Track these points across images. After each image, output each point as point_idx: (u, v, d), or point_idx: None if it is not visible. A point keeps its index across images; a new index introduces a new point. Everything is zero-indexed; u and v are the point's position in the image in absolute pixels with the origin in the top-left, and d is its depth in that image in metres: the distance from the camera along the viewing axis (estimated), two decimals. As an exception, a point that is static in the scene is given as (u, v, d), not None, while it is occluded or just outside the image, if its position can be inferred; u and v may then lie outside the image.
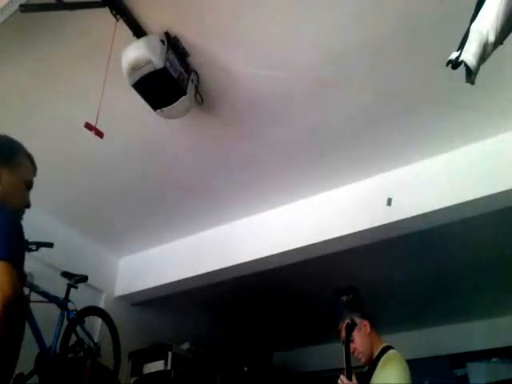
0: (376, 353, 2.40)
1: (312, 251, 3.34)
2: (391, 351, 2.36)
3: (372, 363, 2.38)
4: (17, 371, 2.63)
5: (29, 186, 1.58)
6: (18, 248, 1.31)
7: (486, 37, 1.27)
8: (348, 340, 2.25)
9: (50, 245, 2.89)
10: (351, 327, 2.35)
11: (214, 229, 3.81)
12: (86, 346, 3.12)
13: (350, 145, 2.94)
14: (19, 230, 1.36)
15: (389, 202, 3.01)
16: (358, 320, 2.47)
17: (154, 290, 3.95)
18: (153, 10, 2.15)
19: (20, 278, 1.24)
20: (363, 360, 2.44)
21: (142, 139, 2.89)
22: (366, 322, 2.47)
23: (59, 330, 2.95)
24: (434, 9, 2.07)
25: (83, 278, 3.21)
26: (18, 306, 1.18)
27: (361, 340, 2.43)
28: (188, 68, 2.35)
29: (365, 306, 2.62)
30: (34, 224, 3.24)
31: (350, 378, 2.23)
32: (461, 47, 1.29)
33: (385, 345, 2.42)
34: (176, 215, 3.66)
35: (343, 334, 2.42)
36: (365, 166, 3.14)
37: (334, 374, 2.27)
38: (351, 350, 2.43)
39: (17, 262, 1.24)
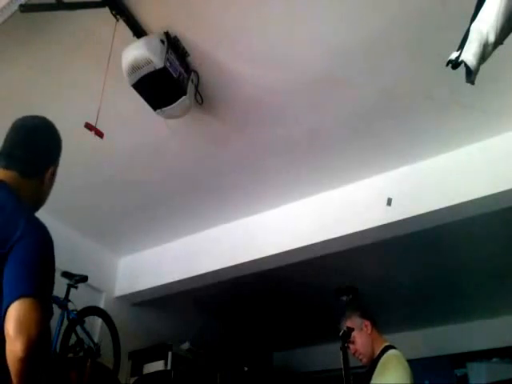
0: (377, 353, 2.37)
1: (312, 251, 3.34)
2: (391, 352, 2.33)
3: (372, 363, 2.36)
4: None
5: None
6: (48, 277, 1.16)
7: (485, 37, 1.27)
8: (345, 348, 2.20)
9: (49, 245, 2.88)
10: (346, 335, 2.30)
11: (213, 229, 3.80)
12: (85, 346, 3.12)
13: (350, 145, 2.94)
14: (51, 249, 1.20)
15: (389, 202, 3.00)
16: (358, 320, 2.45)
17: (153, 290, 3.95)
18: (153, 10, 2.15)
19: (48, 313, 1.11)
20: (364, 361, 2.41)
21: (142, 139, 2.89)
22: (368, 323, 2.44)
23: (59, 330, 2.96)
24: (435, 8, 2.07)
25: (83, 278, 3.21)
26: (44, 347, 1.07)
27: (362, 341, 2.40)
28: (188, 68, 2.35)
29: (366, 306, 2.60)
30: (34, 224, 3.26)
31: None
32: (461, 47, 1.29)
33: (386, 344, 2.39)
34: (176, 215, 3.66)
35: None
36: (365, 166, 3.14)
37: (334, 374, 2.26)
38: (352, 351, 2.41)
39: (45, 296, 1.11)
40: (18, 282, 1.09)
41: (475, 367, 4.96)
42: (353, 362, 2.31)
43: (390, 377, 2.19)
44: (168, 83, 2.21)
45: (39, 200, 1.42)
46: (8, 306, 1.05)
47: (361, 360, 2.42)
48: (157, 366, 3.94)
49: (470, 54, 1.26)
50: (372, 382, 2.27)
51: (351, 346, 2.41)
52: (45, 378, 1.12)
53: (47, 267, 1.17)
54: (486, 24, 1.28)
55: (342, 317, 2.53)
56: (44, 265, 1.16)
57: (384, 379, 2.21)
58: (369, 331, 2.42)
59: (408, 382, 2.16)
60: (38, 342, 1.03)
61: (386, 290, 4.32)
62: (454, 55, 1.30)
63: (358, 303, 2.60)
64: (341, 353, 2.15)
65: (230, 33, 2.24)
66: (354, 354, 2.41)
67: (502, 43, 1.32)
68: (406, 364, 2.23)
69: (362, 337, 2.41)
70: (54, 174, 1.44)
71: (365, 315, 2.49)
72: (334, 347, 2.24)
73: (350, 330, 2.34)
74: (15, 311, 1.04)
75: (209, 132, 2.86)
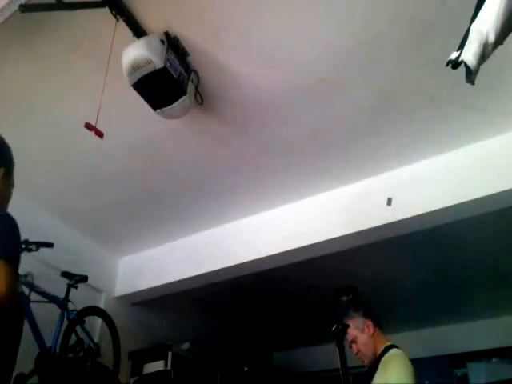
0: (379, 352, 2.34)
1: (312, 251, 3.34)
2: (394, 351, 2.30)
3: (374, 362, 2.33)
4: (17, 371, 2.63)
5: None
6: (15, 246, 1.31)
7: (486, 37, 1.27)
8: (341, 346, 2.17)
9: (50, 245, 2.89)
10: (340, 332, 2.26)
11: (213, 229, 3.80)
12: (85, 346, 3.12)
13: (350, 145, 2.94)
14: (14, 224, 1.35)
15: (389, 202, 3.01)
16: (361, 319, 2.42)
17: (153, 290, 3.95)
18: (153, 10, 2.15)
19: (16, 275, 1.23)
20: (366, 361, 2.38)
21: (142, 139, 2.89)
22: (369, 322, 2.41)
23: (59, 330, 2.95)
24: (435, 8, 2.07)
25: (83, 278, 3.21)
26: (13, 304, 1.18)
27: (364, 341, 2.37)
28: (188, 68, 2.35)
29: (368, 305, 2.58)
30: (34, 224, 3.26)
31: None
32: (461, 47, 1.29)
33: (388, 344, 2.35)
34: (176, 215, 3.66)
35: (347, 335, 2.32)
36: (365, 166, 3.14)
37: (334, 374, 2.24)
38: (354, 351, 2.39)
39: (14, 260, 1.24)
40: None
41: (475, 367, 4.96)
42: (354, 362, 2.30)
43: (392, 376, 2.15)
44: (168, 83, 2.21)
45: None
46: None
47: (362, 360, 2.39)
48: (157, 366, 3.94)
49: (469, 54, 1.26)
50: (374, 381, 2.25)
51: (353, 346, 2.39)
52: (12, 337, 1.27)
53: (13, 237, 1.32)
54: (486, 24, 1.28)
55: (343, 316, 2.51)
56: (9, 234, 1.31)
57: (386, 379, 2.17)
58: (371, 331, 2.39)
59: (411, 381, 2.12)
60: (6, 296, 1.13)
61: (385, 290, 4.31)
62: (453, 55, 1.30)
63: (359, 302, 2.55)
64: (337, 350, 2.12)
65: (230, 33, 2.24)
66: (356, 354, 2.39)
67: (502, 43, 1.32)
68: (409, 363, 2.20)
69: (363, 337, 2.38)
70: (7, 176, 1.55)
71: (367, 314, 2.45)
72: (334, 347, 2.22)
73: (345, 326, 2.31)
74: None
75: (209, 132, 2.86)
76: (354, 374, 2.12)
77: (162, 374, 3.90)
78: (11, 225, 1.35)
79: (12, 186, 1.60)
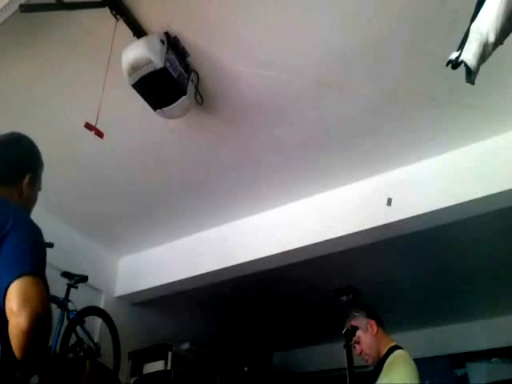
0: (383, 353, 2.34)
1: (312, 251, 3.34)
2: (398, 352, 2.30)
3: (378, 363, 2.33)
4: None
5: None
6: (43, 259, 1.25)
7: (486, 37, 1.27)
8: (349, 347, 2.19)
9: (50, 245, 2.86)
10: (350, 333, 2.28)
11: (214, 229, 3.80)
12: (85, 346, 3.12)
13: (350, 144, 2.94)
14: (42, 237, 1.31)
15: (389, 202, 3.00)
16: (364, 320, 2.42)
17: (153, 290, 3.95)
18: (153, 9, 2.15)
19: (48, 290, 1.18)
20: (370, 361, 2.39)
21: (142, 139, 2.89)
22: (373, 322, 2.41)
23: (59, 330, 2.95)
24: (435, 9, 2.07)
25: (83, 278, 3.22)
26: (48, 320, 1.12)
27: (367, 342, 2.38)
28: (188, 68, 2.35)
29: (371, 305, 2.59)
30: (34, 224, 3.26)
31: None
32: (461, 47, 1.29)
33: (392, 344, 2.35)
34: (176, 215, 3.66)
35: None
36: (365, 166, 3.14)
37: (334, 374, 2.25)
38: (358, 352, 2.39)
39: (43, 274, 1.19)
40: (16, 263, 1.14)
41: (475, 367, 4.95)
42: (356, 362, 2.30)
43: (397, 377, 2.16)
44: (168, 83, 2.21)
45: (24, 206, 1.48)
46: (7, 287, 1.08)
47: (366, 360, 2.39)
48: (157, 365, 3.94)
49: (469, 54, 1.26)
50: (379, 381, 2.25)
51: (357, 347, 2.39)
52: (45, 352, 1.20)
53: (41, 250, 1.26)
54: (486, 24, 1.28)
55: (347, 317, 2.51)
56: (38, 248, 1.25)
57: (391, 379, 2.18)
58: (374, 331, 2.39)
59: (415, 382, 2.13)
60: (41, 314, 1.06)
61: (385, 289, 4.32)
62: (454, 55, 1.30)
63: (362, 303, 2.56)
64: (345, 351, 2.13)
65: (230, 33, 2.24)
66: (359, 354, 2.39)
67: (502, 43, 1.32)
68: (413, 364, 2.20)
69: (367, 337, 2.38)
70: (33, 183, 1.52)
71: (370, 315, 2.45)
72: (334, 347, 2.24)
73: (354, 328, 2.32)
74: (17, 288, 1.07)
75: (209, 132, 2.86)
76: (356, 373, 2.12)
77: (162, 374, 3.89)
78: (38, 236, 1.30)
79: (39, 189, 1.57)
